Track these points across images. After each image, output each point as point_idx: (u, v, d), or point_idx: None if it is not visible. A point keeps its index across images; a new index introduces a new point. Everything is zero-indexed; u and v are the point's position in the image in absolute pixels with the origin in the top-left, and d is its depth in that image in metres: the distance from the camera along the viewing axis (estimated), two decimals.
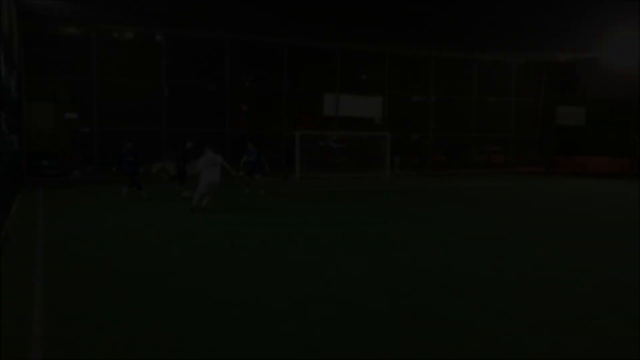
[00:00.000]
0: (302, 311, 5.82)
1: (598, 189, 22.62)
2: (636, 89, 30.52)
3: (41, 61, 23.61)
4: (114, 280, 7.04)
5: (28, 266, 7.76)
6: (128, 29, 25.39)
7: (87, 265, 7.86)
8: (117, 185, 17.25)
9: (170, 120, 25.46)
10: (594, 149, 33.42)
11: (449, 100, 32.50)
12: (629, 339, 5.07)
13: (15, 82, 16.90)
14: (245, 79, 30.36)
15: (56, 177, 23.36)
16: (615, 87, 34.74)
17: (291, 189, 20.46)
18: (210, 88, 28.68)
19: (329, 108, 28.71)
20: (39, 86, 24.27)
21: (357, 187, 22.22)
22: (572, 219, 13.35)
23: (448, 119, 32.06)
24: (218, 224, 12.08)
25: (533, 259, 8.54)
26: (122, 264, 7.98)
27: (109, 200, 15.97)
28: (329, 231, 11.11)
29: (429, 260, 8.42)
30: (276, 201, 17.00)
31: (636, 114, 30.74)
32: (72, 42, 24.69)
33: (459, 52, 30.42)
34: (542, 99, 34.61)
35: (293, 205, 15.89)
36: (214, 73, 26.62)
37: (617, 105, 35.77)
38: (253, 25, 23.57)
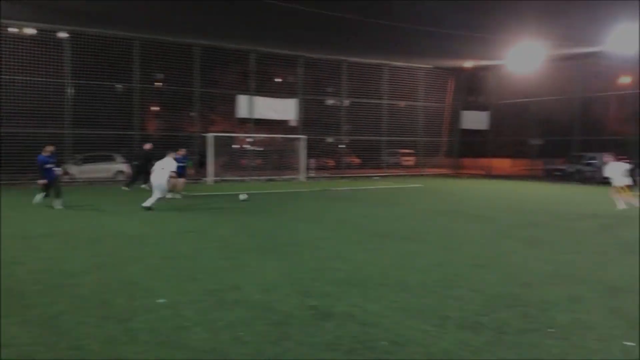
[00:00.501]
0: (211, 317, 5.69)
1: (493, 188, 23.89)
2: (535, 94, 32.57)
3: None
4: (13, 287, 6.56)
5: None
6: (30, 25, 23.89)
7: None
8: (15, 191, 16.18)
9: (75, 121, 24.20)
10: (496, 152, 35.30)
11: (361, 104, 33.17)
12: (526, 331, 5.35)
13: None
14: (156, 79, 29.50)
15: None
16: (515, 92, 36.91)
17: (204, 192, 20.04)
18: (118, 88, 27.58)
19: (243, 110, 28.40)
20: None
21: (271, 189, 22.15)
22: (473, 218, 13.97)
23: (361, 122, 32.69)
24: (126, 229, 11.61)
25: (438, 257, 8.85)
26: (19, 268, 7.46)
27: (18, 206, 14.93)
28: (241, 235, 10.97)
29: (341, 261, 8.51)
30: (188, 205, 16.60)
31: (535, 117, 32.76)
32: None
33: (370, 56, 31.08)
34: (449, 104, 36.10)
35: (205, 209, 15.57)
36: (122, 72, 25.59)
37: (517, 110, 38.02)
38: (163, 24, 22.88)
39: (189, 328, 5.36)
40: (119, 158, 26.01)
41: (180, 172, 17.49)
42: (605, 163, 15.93)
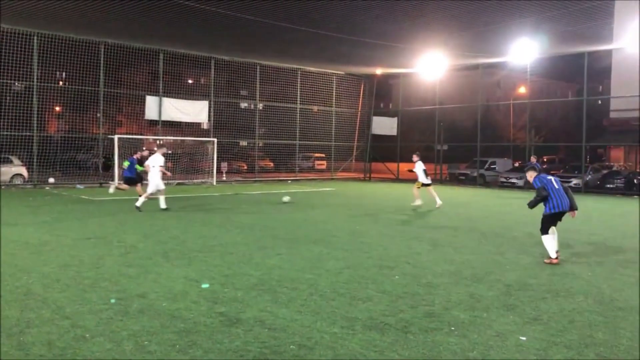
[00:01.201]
0: (115, 327, 5.46)
1: (400, 192, 24.69)
2: (438, 101, 34.00)
3: None
4: None
5: None
6: None
7: None
8: None
9: None
10: (404, 157, 36.48)
11: (275, 108, 33.18)
12: (430, 330, 5.55)
13: None
14: (58, 77, 27.96)
15: None
16: (423, 99, 38.39)
17: (109, 197, 19.22)
18: (15, 87, 25.87)
19: (152, 111, 27.49)
20: None
21: (180, 194, 21.62)
22: (382, 220, 14.35)
23: (274, 126, 32.68)
24: (20, 236, 10.89)
25: (347, 260, 9.00)
26: None
27: None
28: (147, 241, 10.62)
29: (251, 266, 8.45)
30: (91, 210, 15.86)
31: (438, 124, 34.19)
32: None
33: (284, 60, 31.17)
34: (360, 110, 36.90)
35: (110, 214, 14.93)
36: (20, 69, 23.98)
37: (424, 116, 39.54)
38: (67, 20, 21.72)
39: (90, 339, 5.11)
40: (16, 160, 24.40)
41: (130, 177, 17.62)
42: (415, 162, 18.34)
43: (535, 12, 19.92)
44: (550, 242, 9.04)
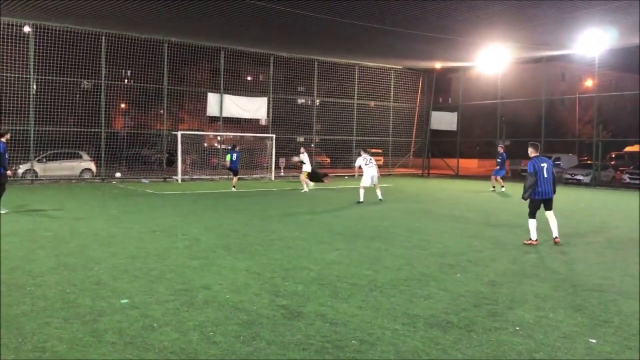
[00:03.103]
0: (181, 317, 5.62)
1: (460, 188, 24.21)
2: (499, 95, 33.12)
3: None
4: None
5: None
6: None
7: None
8: None
9: (38, 118, 23.60)
10: (464, 152, 35.81)
11: (332, 103, 33.24)
12: (494, 329, 5.43)
13: None
14: (124, 75, 29.01)
15: None
16: (484, 94, 37.51)
17: (172, 191, 19.80)
18: (84, 85, 27.04)
19: (213, 108, 28.13)
20: None
21: (241, 188, 22.02)
22: (442, 217, 14.13)
23: (331, 122, 32.76)
24: (90, 228, 11.39)
25: (407, 256, 8.92)
26: None
27: None
28: (210, 234, 10.88)
29: (310, 260, 8.51)
30: (157, 204, 16.39)
31: (500, 118, 33.32)
32: None
33: (341, 56, 31.16)
34: (418, 104, 36.45)
35: (174, 208, 15.38)
36: (89, 68, 25.05)
37: (485, 111, 38.64)
38: (132, 20, 22.49)
39: (157, 328, 5.29)
40: (85, 156, 25.52)
41: None
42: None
43: (604, 1, 19.03)
44: (534, 225, 10.05)
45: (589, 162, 30.60)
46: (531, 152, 10.42)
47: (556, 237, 10.18)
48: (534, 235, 10.06)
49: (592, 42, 24.84)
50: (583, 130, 48.72)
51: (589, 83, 46.63)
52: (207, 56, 28.22)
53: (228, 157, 21.55)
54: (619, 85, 57.37)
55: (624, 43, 26.95)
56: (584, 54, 27.97)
